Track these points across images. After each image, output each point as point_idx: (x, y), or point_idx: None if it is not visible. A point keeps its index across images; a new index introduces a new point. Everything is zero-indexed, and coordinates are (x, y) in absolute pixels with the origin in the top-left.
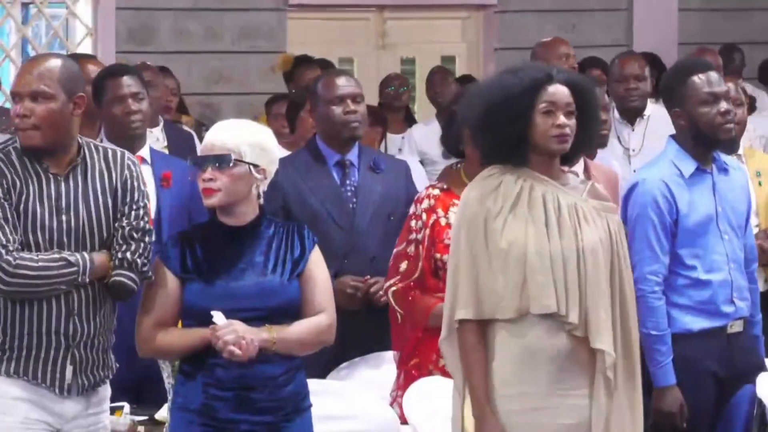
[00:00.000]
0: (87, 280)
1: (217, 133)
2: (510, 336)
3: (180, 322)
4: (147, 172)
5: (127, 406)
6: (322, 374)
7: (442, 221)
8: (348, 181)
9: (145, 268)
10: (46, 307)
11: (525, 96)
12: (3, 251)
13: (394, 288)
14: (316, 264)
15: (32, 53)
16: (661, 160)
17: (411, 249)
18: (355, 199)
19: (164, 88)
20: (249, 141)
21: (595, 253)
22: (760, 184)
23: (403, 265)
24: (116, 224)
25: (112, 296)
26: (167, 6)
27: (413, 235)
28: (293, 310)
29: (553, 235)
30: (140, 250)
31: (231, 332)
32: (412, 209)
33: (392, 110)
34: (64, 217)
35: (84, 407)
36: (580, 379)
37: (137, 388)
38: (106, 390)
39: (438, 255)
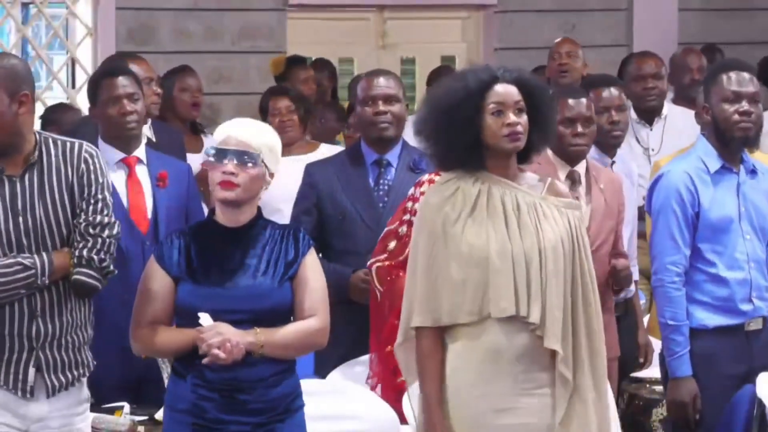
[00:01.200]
0: (47, 281)
1: (241, 129)
2: (472, 339)
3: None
4: (143, 172)
5: (127, 406)
6: (337, 365)
7: None
8: (382, 181)
9: (104, 264)
10: (8, 310)
11: (472, 99)
12: None
13: (378, 264)
14: (311, 268)
15: (32, 53)
16: (689, 155)
17: (403, 229)
18: (386, 199)
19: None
20: (269, 144)
21: (555, 251)
22: None
23: (392, 244)
24: (75, 221)
25: (76, 295)
26: (167, 6)
27: (407, 216)
28: (283, 313)
29: (515, 237)
30: (98, 246)
31: (215, 335)
32: (410, 191)
33: None
34: (20, 219)
35: (53, 408)
36: (543, 378)
37: (137, 388)
38: (82, 391)
39: None
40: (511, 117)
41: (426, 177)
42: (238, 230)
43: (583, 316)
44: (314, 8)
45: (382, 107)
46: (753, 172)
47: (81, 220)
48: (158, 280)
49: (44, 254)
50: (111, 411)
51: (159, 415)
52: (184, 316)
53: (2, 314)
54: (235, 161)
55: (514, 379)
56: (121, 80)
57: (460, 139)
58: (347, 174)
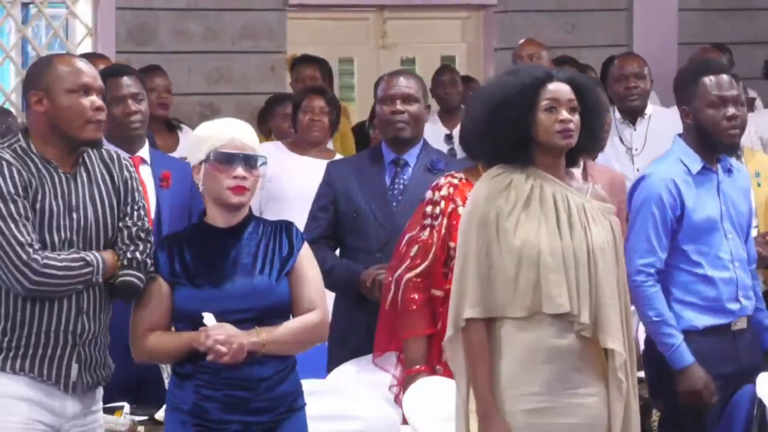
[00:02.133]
0: (100, 280)
1: (243, 132)
2: (519, 334)
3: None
4: (146, 173)
5: (127, 406)
6: (349, 358)
7: (460, 210)
8: (397, 180)
9: (151, 268)
10: (57, 306)
11: (526, 95)
12: (30, 250)
13: (408, 277)
14: (306, 261)
15: (32, 53)
16: (668, 158)
17: (425, 234)
18: (400, 198)
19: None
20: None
21: (603, 253)
22: (759, 185)
23: (414, 250)
24: (120, 224)
25: (119, 296)
26: (167, 6)
27: (428, 221)
28: (283, 310)
29: (565, 235)
30: (147, 250)
31: (222, 333)
32: (428, 195)
33: None
34: (74, 215)
35: (84, 406)
36: (586, 378)
37: (137, 388)
38: (100, 390)
39: (452, 244)
40: (564, 114)
41: (443, 180)
42: (231, 230)
43: (624, 320)
44: (314, 8)
45: (399, 106)
46: (729, 170)
47: (129, 224)
48: (154, 285)
49: (98, 253)
50: (111, 411)
51: (159, 415)
52: (184, 320)
53: (51, 311)
54: (243, 165)
55: (557, 378)
56: (126, 80)
57: (511, 133)
58: (364, 172)
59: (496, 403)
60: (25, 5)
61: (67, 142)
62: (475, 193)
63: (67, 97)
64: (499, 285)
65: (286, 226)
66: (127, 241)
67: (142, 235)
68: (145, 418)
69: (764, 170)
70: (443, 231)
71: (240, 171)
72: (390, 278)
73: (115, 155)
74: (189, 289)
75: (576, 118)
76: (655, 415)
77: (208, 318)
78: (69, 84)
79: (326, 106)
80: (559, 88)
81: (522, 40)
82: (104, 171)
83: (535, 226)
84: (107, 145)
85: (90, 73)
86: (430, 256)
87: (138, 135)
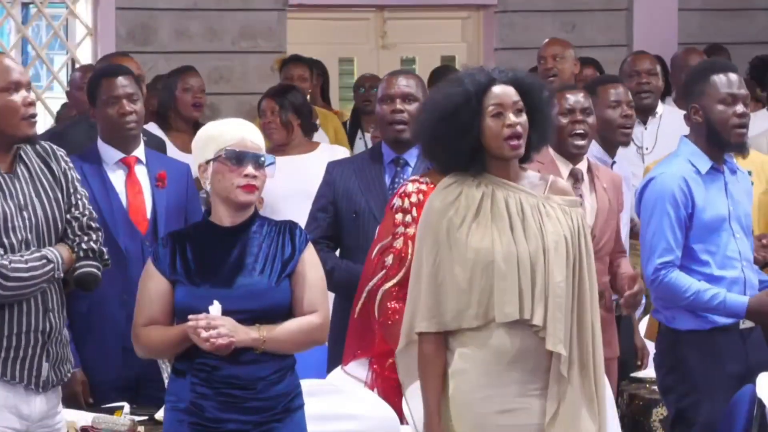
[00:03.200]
0: (62, 275)
1: (251, 132)
2: (477, 342)
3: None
4: (142, 172)
5: (127, 406)
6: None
7: None
8: (398, 180)
9: (106, 257)
10: (26, 307)
11: (471, 102)
12: None
13: (385, 287)
14: (309, 263)
15: (32, 53)
16: (676, 158)
17: (398, 243)
18: None
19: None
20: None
21: (558, 251)
22: (752, 183)
23: (389, 259)
24: (67, 216)
25: (80, 288)
26: (167, 6)
27: (400, 229)
28: (282, 311)
29: (520, 240)
30: (100, 239)
31: (222, 324)
32: (397, 203)
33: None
34: (25, 214)
35: (50, 407)
36: (547, 379)
37: (137, 388)
38: (60, 390)
39: None
40: (511, 118)
41: (411, 187)
42: (234, 229)
43: (584, 315)
44: (314, 8)
45: (399, 105)
46: (733, 171)
47: (77, 215)
48: (155, 282)
49: (55, 248)
50: (111, 411)
51: (159, 415)
52: (184, 318)
53: (20, 312)
54: (253, 164)
55: (518, 381)
56: (121, 80)
57: (461, 143)
58: (365, 172)
59: (454, 409)
60: (25, 5)
61: (2, 140)
62: (427, 206)
63: None
64: (452, 297)
65: (290, 227)
66: (79, 232)
67: (93, 224)
68: (145, 418)
69: (757, 169)
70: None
71: (251, 170)
72: (363, 287)
73: (48, 148)
74: (188, 288)
75: (523, 119)
76: (656, 415)
77: (215, 307)
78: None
79: (276, 106)
80: (503, 91)
81: (546, 40)
82: (42, 165)
83: (488, 234)
84: (102, 146)
85: (17, 68)
86: (406, 264)
87: (133, 135)
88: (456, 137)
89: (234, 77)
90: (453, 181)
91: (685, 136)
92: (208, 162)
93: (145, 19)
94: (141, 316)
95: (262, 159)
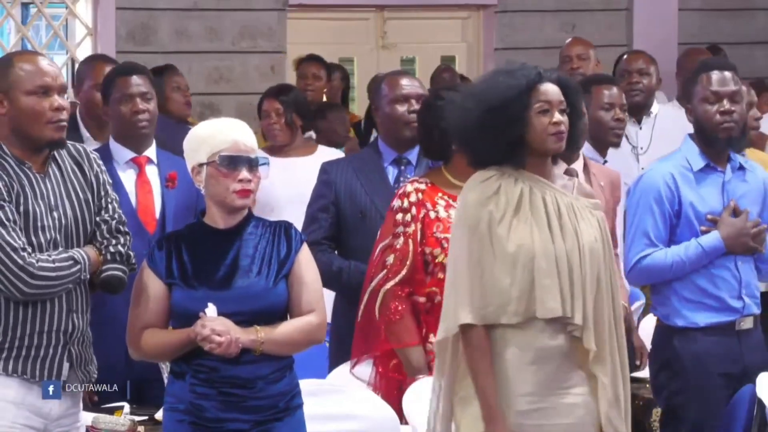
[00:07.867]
0: (87, 276)
1: (243, 134)
2: (510, 338)
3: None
4: (153, 172)
5: (127, 406)
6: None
7: (431, 215)
8: (402, 179)
9: (133, 261)
10: (49, 306)
11: (522, 96)
12: (24, 255)
13: (387, 287)
14: (305, 263)
15: None
16: (674, 155)
17: (399, 242)
18: None
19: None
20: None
21: (593, 252)
22: None
23: (390, 259)
24: (97, 218)
25: (106, 291)
26: (167, 6)
27: (400, 229)
28: (279, 312)
29: (557, 238)
30: (128, 243)
31: (220, 324)
32: (396, 203)
33: None
34: (55, 214)
35: (68, 406)
36: (577, 377)
37: (137, 388)
38: (80, 392)
39: (428, 249)
40: (557, 116)
41: (410, 187)
42: (229, 231)
43: (612, 315)
44: (314, 8)
45: (416, 106)
46: (741, 169)
47: (107, 218)
48: (151, 284)
49: (83, 250)
50: (111, 411)
51: (159, 415)
52: (180, 320)
53: (43, 312)
54: (247, 167)
55: (553, 378)
56: (135, 79)
57: (504, 135)
58: (367, 172)
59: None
60: (25, 5)
61: (30, 143)
62: (464, 199)
63: (26, 99)
64: (493, 293)
65: (285, 227)
66: (107, 235)
67: (121, 228)
68: (145, 418)
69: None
70: (418, 237)
71: (245, 174)
72: (366, 289)
73: (82, 150)
74: (184, 290)
75: (566, 119)
76: (655, 415)
77: (211, 309)
78: (28, 85)
79: (280, 107)
80: (551, 90)
81: (569, 39)
82: (75, 167)
83: (527, 230)
84: (113, 145)
85: (51, 72)
86: (408, 263)
87: (145, 134)
88: (501, 129)
89: (234, 77)
90: (491, 175)
91: (689, 134)
92: (200, 165)
93: (145, 19)
94: (138, 319)
95: (255, 161)
